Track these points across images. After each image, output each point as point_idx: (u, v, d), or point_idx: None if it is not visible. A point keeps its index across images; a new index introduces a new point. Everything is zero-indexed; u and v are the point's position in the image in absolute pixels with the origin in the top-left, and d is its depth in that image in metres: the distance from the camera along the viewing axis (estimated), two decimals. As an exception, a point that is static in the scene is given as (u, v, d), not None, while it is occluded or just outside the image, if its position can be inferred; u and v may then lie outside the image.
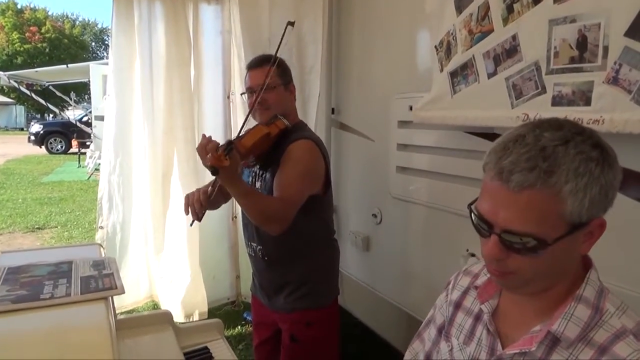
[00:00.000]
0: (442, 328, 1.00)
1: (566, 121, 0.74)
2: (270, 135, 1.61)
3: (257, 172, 1.76)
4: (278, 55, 1.69)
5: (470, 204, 0.78)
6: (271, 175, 1.67)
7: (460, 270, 1.03)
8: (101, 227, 2.94)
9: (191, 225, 1.68)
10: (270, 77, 1.66)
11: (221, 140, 1.49)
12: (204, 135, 1.47)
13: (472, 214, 0.77)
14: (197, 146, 1.45)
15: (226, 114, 3.17)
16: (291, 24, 1.63)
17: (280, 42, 1.64)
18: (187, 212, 1.64)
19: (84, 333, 1.06)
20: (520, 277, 0.76)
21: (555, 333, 0.75)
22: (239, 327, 3.24)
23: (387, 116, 2.26)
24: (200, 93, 3.07)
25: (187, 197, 1.64)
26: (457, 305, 0.97)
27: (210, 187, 1.64)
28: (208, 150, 1.40)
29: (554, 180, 0.68)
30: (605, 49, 1.22)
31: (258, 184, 1.74)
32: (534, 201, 0.69)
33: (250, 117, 1.72)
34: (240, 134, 1.63)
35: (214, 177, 1.65)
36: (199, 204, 1.59)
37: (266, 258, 1.76)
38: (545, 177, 0.68)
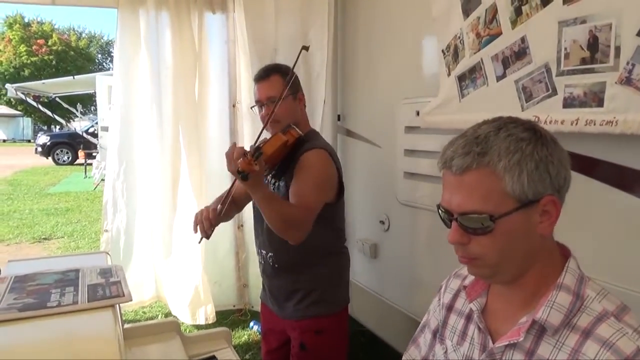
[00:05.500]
0: (436, 332, 1.01)
1: (510, 117, 0.81)
2: (287, 144, 1.61)
3: (270, 180, 1.75)
4: (284, 64, 1.68)
5: (439, 204, 0.85)
6: (285, 184, 1.67)
7: (451, 274, 1.05)
8: (106, 231, 3.01)
9: (199, 242, 1.68)
10: (277, 89, 1.65)
11: None
12: (234, 144, 1.49)
13: (439, 211, 0.84)
14: (226, 152, 1.46)
15: (232, 122, 3.17)
16: (305, 48, 1.60)
17: (295, 65, 1.63)
18: (195, 231, 1.64)
19: (91, 341, 1.05)
20: (486, 261, 0.80)
21: (539, 321, 0.77)
22: (246, 336, 3.22)
23: (394, 122, 2.25)
24: (205, 102, 3.08)
25: (196, 216, 1.64)
26: (449, 308, 0.99)
27: (220, 205, 1.63)
28: (237, 155, 1.41)
29: (487, 159, 0.75)
30: (617, 49, 1.20)
31: None
32: (476, 181, 0.76)
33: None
34: (258, 144, 1.62)
35: (224, 191, 1.65)
36: (208, 222, 1.60)
37: (276, 265, 1.74)
38: (479, 158, 0.75)
